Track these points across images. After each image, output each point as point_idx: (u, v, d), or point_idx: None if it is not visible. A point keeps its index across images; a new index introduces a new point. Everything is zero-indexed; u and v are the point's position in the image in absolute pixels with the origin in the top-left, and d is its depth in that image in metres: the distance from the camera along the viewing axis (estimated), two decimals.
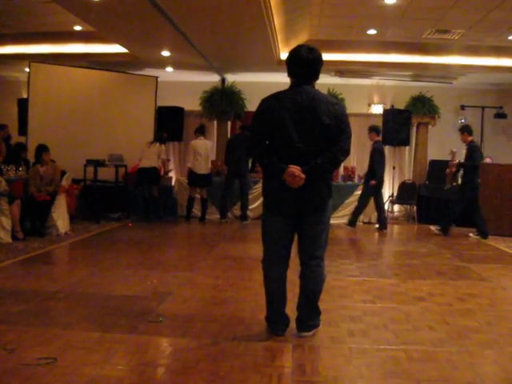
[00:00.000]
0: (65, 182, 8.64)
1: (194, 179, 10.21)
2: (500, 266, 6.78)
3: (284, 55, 10.08)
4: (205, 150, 10.18)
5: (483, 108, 12.76)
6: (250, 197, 10.68)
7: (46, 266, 6.23)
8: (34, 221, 8.08)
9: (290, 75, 3.75)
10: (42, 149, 8.37)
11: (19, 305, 4.40)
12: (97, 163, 10.03)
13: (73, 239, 7.91)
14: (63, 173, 8.72)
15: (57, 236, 7.97)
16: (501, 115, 12.67)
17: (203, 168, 10.14)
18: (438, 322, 4.27)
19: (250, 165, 10.53)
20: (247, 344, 3.63)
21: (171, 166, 12.59)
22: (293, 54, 3.71)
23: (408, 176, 12.57)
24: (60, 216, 8.21)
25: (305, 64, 3.65)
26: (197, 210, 10.52)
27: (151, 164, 10.02)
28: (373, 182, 9.50)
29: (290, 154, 3.59)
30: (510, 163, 10.26)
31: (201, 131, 10.40)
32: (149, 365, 3.27)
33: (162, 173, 10.23)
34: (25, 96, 10.97)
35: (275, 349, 3.58)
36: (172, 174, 12.29)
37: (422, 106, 12.21)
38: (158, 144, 10.18)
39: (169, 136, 10.85)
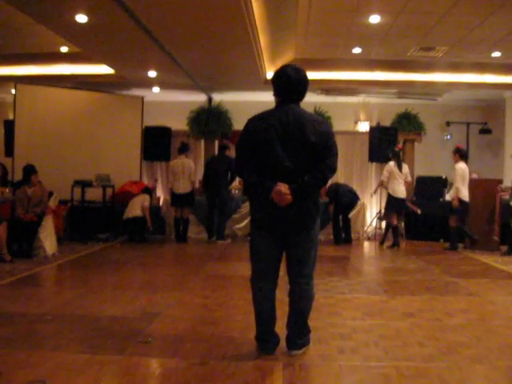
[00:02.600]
0: (52, 203, 8.60)
1: (175, 199, 10.19)
2: (488, 281, 6.81)
3: (270, 74, 10.15)
4: (182, 170, 10.06)
5: (468, 124, 12.93)
6: (237, 215, 10.69)
7: (33, 288, 6.16)
8: (21, 242, 8.01)
9: (276, 95, 3.78)
10: (30, 170, 8.32)
11: (7, 327, 4.35)
12: (84, 184, 10.00)
13: (60, 260, 7.85)
14: (50, 194, 8.70)
15: (44, 257, 7.90)
16: (486, 131, 12.84)
17: (181, 188, 10.06)
18: (428, 337, 4.27)
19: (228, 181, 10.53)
20: (237, 363, 3.61)
21: (159, 185, 12.58)
22: (279, 74, 3.73)
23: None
24: (47, 237, 8.15)
25: (292, 84, 3.68)
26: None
27: (136, 214, 10.01)
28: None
29: (277, 173, 3.60)
30: (495, 178, 10.36)
31: (181, 150, 10.33)
32: None
33: (148, 222, 10.16)
34: (11, 117, 10.95)
35: (265, 368, 3.56)
36: (160, 194, 12.28)
37: (408, 123, 12.31)
38: (142, 194, 10.32)
39: (156, 157, 10.86)
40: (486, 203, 9.54)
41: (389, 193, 9.90)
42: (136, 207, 10.00)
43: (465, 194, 9.37)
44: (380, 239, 10.32)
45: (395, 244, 9.77)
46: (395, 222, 9.88)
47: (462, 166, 9.43)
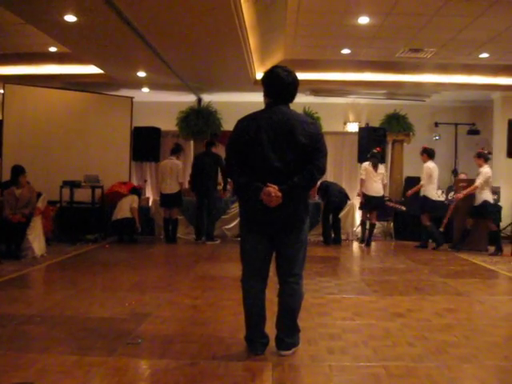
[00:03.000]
0: (40, 204, 8.55)
1: (163, 200, 10.18)
2: (477, 281, 6.85)
3: (260, 75, 10.16)
4: (170, 171, 10.02)
5: (456, 125, 13.02)
6: (227, 216, 10.68)
7: (21, 290, 6.12)
8: (9, 244, 7.96)
9: (267, 96, 3.78)
10: (18, 171, 8.27)
11: None
12: (73, 184, 9.96)
13: (49, 262, 7.81)
14: (39, 194, 8.64)
15: (33, 259, 7.85)
16: (474, 132, 12.92)
17: (168, 188, 10.03)
18: (417, 337, 4.29)
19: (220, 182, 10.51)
20: (227, 364, 3.61)
21: (148, 186, 12.55)
22: (271, 75, 3.74)
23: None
24: (36, 238, 8.10)
25: (285, 86, 3.70)
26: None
27: (124, 216, 9.99)
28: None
29: (266, 174, 3.61)
30: None
31: (173, 151, 10.29)
32: None
33: (136, 223, 10.12)
34: None
35: (255, 368, 3.56)
36: (149, 195, 12.24)
37: (397, 124, 12.37)
38: (131, 195, 10.29)
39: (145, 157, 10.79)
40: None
41: (362, 191, 10.16)
42: (125, 208, 9.97)
43: (432, 193, 9.74)
44: (360, 238, 10.50)
45: (363, 241, 10.18)
46: (373, 220, 10.16)
47: (429, 164, 9.83)
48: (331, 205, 10.19)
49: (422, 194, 9.83)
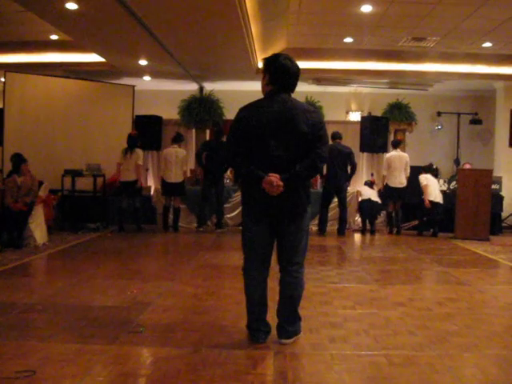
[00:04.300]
0: (42, 193, 8.56)
1: (166, 188, 10.16)
2: (478, 270, 6.87)
3: (262, 64, 10.12)
4: (175, 159, 10.03)
5: (459, 114, 13.00)
6: (229, 205, 10.67)
7: (23, 278, 6.14)
8: (10, 232, 7.96)
9: (270, 83, 3.75)
10: (20, 160, 8.27)
11: None
12: (74, 173, 9.97)
13: (51, 250, 7.83)
14: (40, 183, 8.65)
15: (34, 247, 7.88)
16: (476, 121, 12.89)
17: (173, 177, 10.02)
18: (418, 326, 4.30)
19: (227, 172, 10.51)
20: (228, 352, 3.62)
21: (150, 174, 12.52)
22: (276, 63, 3.71)
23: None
24: (37, 227, 8.12)
25: (291, 75, 3.70)
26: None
27: (131, 177, 9.90)
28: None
29: (268, 162, 3.60)
30: (485, 168, 10.42)
31: (175, 140, 10.26)
32: (129, 375, 3.24)
33: (139, 182, 10.07)
34: (0, 106, 10.87)
35: (256, 356, 3.57)
36: (151, 183, 12.23)
37: (399, 113, 12.31)
38: (134, 151, 9.98)
39: (142, 143, 10.64)
40: (476, 193, 9.58)
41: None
42: (131, 168, 9.87)
43: (391, 181, 10.29)
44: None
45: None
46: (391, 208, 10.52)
47: (388, 154, 10.58)
48: (330, 187, 9.98)
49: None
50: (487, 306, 5.14)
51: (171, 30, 8.31)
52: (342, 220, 10.11)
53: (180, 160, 10.06)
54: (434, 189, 10.05)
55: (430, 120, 13.27)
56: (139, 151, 10.02)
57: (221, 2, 6.87)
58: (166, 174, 10.11)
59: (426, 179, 10.06)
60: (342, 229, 10.07)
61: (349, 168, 9.99)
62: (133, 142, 9.99)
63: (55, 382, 3.10)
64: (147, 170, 12.41)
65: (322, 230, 10.02)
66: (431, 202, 9.89)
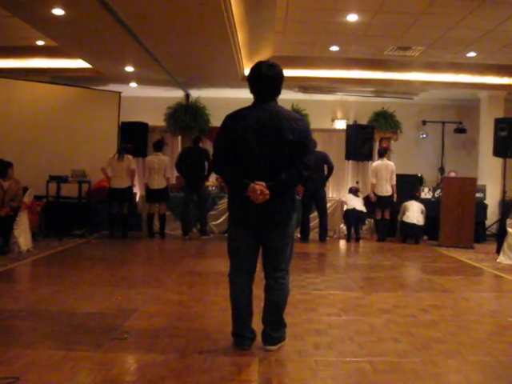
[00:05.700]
0: (27, 199, 8.50)
1: (150, 195, 10.18)
2: (462, 277, 6.91)
3: (248, 71, 10.15)
4: (158, 166, 10.07)
5: (443, 123, 13.12)
6: (214, 212, 10.66)
7: (7, 284, 6.09)
8: None
9: (251, 92, 3.78)
10: (6, 164, 8.20)
11: None
12: (59, 179, 9.92)
13: (35, 256, 7.77)
14: (25, 189, 8.57)
15: (18, 253, 7.80)
16: (460, 130, 13.04)
17: (156, 183, 10.07)
18: (403, 333, 4.32)
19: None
20: (213, 359, 3.62)
21: (135, 182, 12.47)
22: (253, 72, 3.74)
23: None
24: (22, 233, 8.05)
25: (264, 80, 3.68)
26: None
27: (124, 184, 9.89)
28: None
29: (254, 170, 3.62)
30: (470, 177, 10.51)
31: (156, 148, 10.29)
32: (114, 382, 3.22)
33: (132, 186, 10.07)
34: None
35: (241, 363, 3.57)
36: (137, 190, 12.19)
37: (385, 122, 12.43)
38: (126, 157, 9.95)
39: (133, 149, 10.63)
40: (460, 201, 9.66)
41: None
42: (123, 174, 9.84)
43: (378, 189, 10.34)
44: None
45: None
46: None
47: (374, 163, 10.61)
48: (308, 192, 9.92)
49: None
50: (471, 313, 5.17)
51: (158, 37, 8.32)
52: (322, 226, 10.10)
53: (162, 167, 10.11)
54: (414, 211, 10.08)
55: (415, 128, 13.39)
56: (130, 157, 10.03)
57: (207, 10, 6.89)
58: (150, 181, 10.17)
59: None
60: (323, 235, 10.07)
61: (326, 170, 10.08)
62: (125, 149, 10.02)
63: None
64: None
65: (304, 237, 10.03)
66: (411, 224, 10.02)
